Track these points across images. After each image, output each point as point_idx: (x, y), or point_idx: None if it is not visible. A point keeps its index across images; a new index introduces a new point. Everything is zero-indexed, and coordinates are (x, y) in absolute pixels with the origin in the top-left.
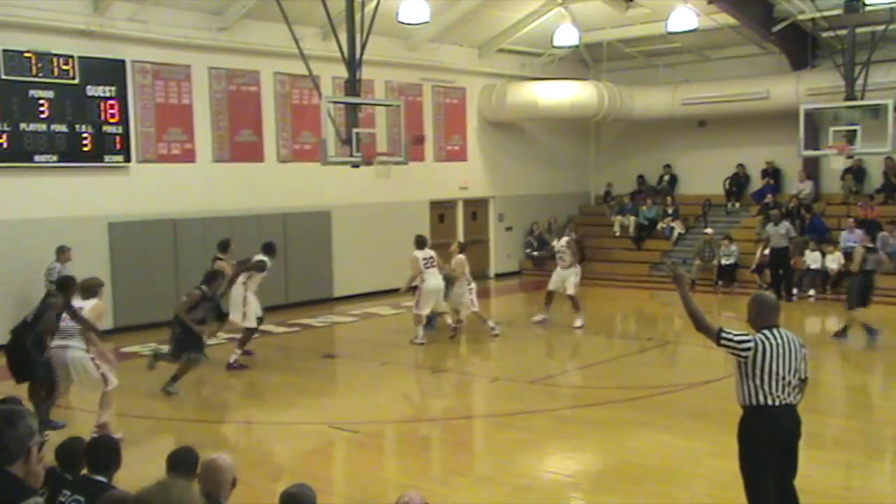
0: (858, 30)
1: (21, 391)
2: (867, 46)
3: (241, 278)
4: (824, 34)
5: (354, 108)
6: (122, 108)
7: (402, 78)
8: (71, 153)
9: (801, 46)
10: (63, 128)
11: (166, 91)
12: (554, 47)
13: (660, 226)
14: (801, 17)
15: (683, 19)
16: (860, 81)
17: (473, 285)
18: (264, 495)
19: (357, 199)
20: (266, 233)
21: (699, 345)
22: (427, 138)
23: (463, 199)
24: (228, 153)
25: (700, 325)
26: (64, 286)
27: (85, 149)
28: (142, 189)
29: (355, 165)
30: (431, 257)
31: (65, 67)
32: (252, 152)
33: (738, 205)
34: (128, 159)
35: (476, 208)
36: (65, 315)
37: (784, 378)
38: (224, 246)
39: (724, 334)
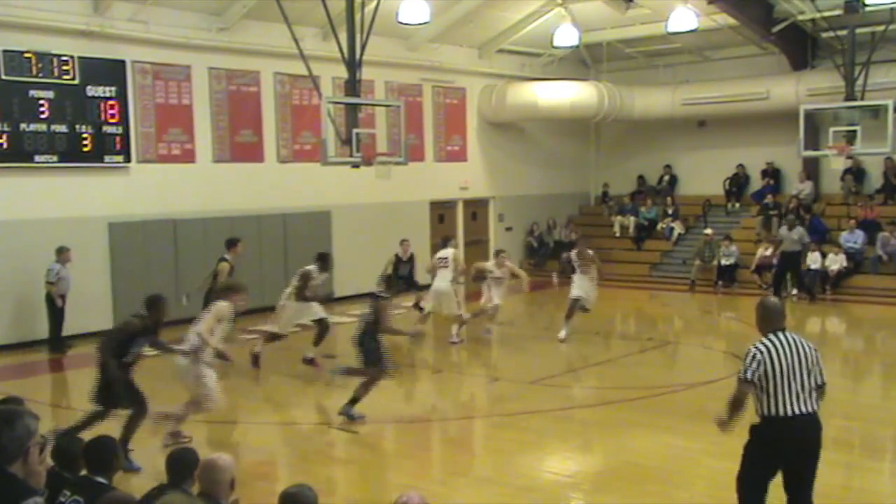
0: (858, 30)
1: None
2: (867, 47)
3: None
4: (824, 35)
5: (354, 108)
6: (123, 109)
7: (402, 78)
8: (71, 153)
9: (801, 47)
10: (63, 128)
11: (166, 91)
12: (554, 47)
13: (660, 226)
14: (800, 17)
15: (683, 20)
16: (860, 82)
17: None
18: (264, 496)
19: (357, 199)
20: (266, 233)
21: (699, 345)
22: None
23: (463, 200)
24: (228, 153)
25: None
26: (151, 305)
27: (85, 149)
28: (142, 189)
29: (355, 166)
30: (445, 258)
31: (65, 68)
32: (252, 152)
33: (737, 205)
34: (128, 160)
35: (476, 209)
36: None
37: (796, 383)
38: (231, 244)
39: (741, 373)
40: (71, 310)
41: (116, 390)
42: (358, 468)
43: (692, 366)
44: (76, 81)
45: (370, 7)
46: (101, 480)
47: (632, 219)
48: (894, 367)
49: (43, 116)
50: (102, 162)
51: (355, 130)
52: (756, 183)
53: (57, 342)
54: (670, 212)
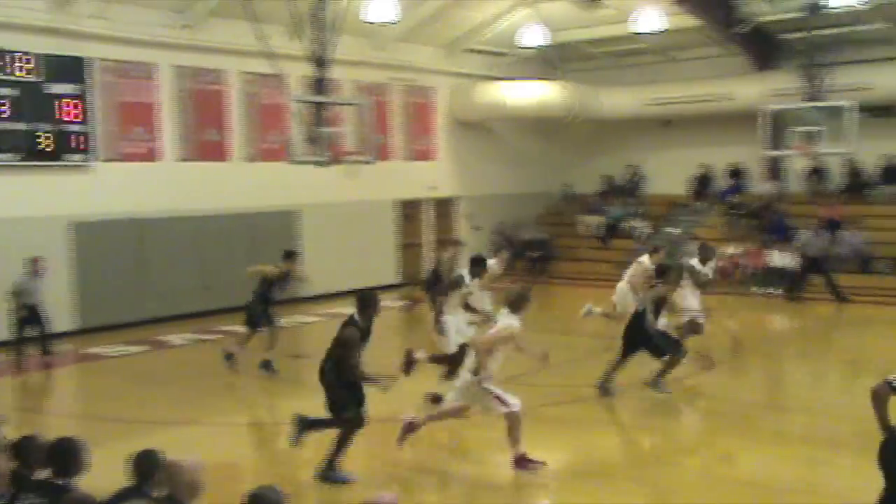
0: (820, 32)
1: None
2: (829, 48)
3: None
4: (787, 36)
5: (322, 107)
6: (85, 107)
7: (369, 77)
8: (32, 152)
9: (764, 48)
10: (24, 126)
11: (130, 89)
12: (521, 47)
13: (626, 225)
14: (763, 19)
15: (649, 20)
16: (822, 83)
17: None
18: (230, 497)
19: (326, 198)
20: (233, 233)
21: None
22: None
23: (431, 199)
24: (194, 152)
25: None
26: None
27: (46, 148)
28: (105, 188)
29: (323, 165)
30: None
31: (25, 65)
32: (218, 151)
33: (702, 204)
34: (91, 158)
35: (444, 208)
36: None
37: None
38: (290, 255)
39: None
40: None
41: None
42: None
43: (657, 364)
44: (36, 79)
45: (337, 5)
46: (61, 483)
47: (599, 218)
48: (856, 364)
49: (3, 115)
50: (64, 161)
51: (323, 129)
52: (721, 182)
53: (19, 345)
54: (636, 211)
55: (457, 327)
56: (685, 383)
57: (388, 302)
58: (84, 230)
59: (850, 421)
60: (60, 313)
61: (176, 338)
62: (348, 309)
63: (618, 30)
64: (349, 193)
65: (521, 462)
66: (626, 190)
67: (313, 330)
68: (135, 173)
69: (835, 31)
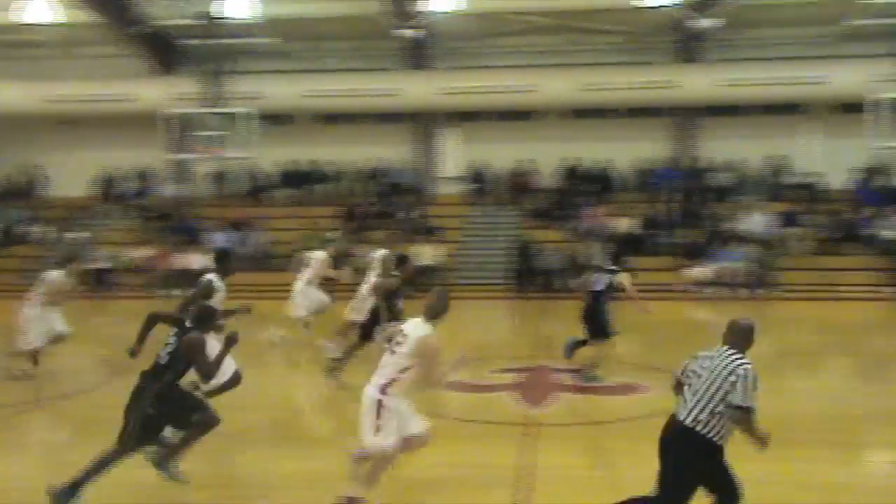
0: (219, 41)
1: None
2: (227, 57)
3: None
4: (187, 42)
5: None
6: None
7: None
8: None
9: (165, 52)
10: None
11: None
12: None
13: (25, 230)
14: (161, 22)
15: (38, 11)
16: (221, 90)
17: None
18: None
19: None
20: None
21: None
22: None
23: None
24: None
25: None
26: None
27: None
28: None
29: None
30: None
31: None
32: None
33: (109, 207)
34: None
35: None
36: None
37: None
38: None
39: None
40: None
41: None
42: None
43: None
44: None
45: None
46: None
47: None
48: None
49: None
50: None
51: None
52: (128, 184)
53: None
54: (35, 215)
55: None
56: None
57: None
58: None
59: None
60: None
61: None
62: None
63: (2, 18)
64: None
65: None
66: (23, 192)
67: None
68: None
69: (232, 41)
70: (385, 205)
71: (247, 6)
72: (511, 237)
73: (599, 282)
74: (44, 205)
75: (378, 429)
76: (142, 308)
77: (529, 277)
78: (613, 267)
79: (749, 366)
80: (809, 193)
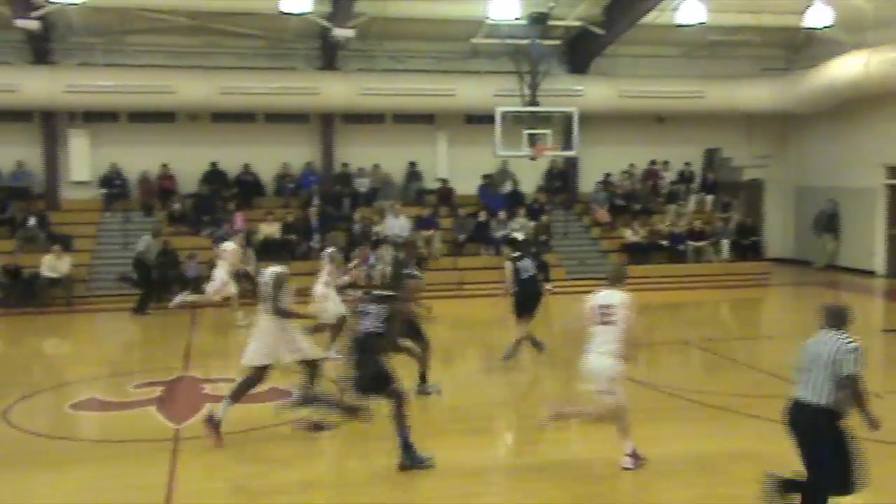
0: None
1: None
2: None
3: None
4: None
5: None
6: None
7: None
8: None
9: None
10: None
11: None
12: None
13: None
14: None
15: None
16: None
17: None
18: None
19: None
20: None
21: None
22: None
23: None
24: None
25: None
26: None
27: None
28: None
29: None
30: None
31: None
32: None
33: None
34: None
35: None
36: None
37: None
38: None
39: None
40: None
41: None
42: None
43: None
44: None
45: None
46: None
47: None
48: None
49: None
50: None
51: None
52: None
53: None
54: None
55: None
56: None
57: None
58: None
59: None
60: None
61: None
62: None
63: None
64: None
65: None
66: None
67: None
68: None
69: None
70: (3, 211)
71: None
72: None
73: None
74: None
75: (612, 391)
76: None
77: (161, 288)
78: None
79: (854, 342)
80: (441, 198)
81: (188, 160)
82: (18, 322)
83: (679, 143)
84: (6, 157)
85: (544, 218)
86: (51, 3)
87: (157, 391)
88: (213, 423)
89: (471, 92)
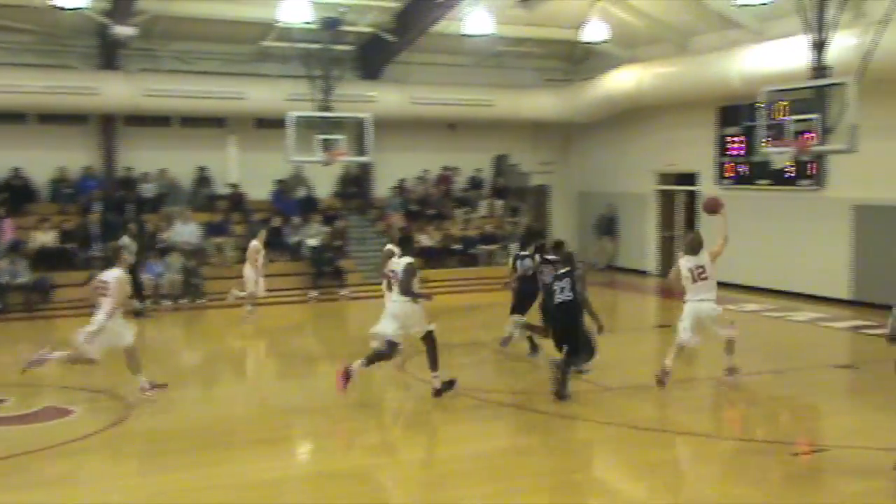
0: None
1: None
2: None
3: None
4: None
5: None
6: None
7: None
8: None
9: None
10: None
11: None
12: None
13: None
14: None
15: None
16: None
17: None
18: None
19: None
20: None
21: None
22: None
23: None
24: None
25: None
26: None
27: None
28: None
29: None
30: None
31: None
32: None
33: None
34: None
35: None
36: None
37: None
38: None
39: None
40: None
41: None
42: None
43: None
44: None
45: None
46: None
47: None
48: None
49: None
50: None
51: None
52: None
53: None
54: None
55: None
56: None
57: None
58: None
59: None
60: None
61: None
62: None
63: None
64: None
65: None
66: None
67: None
68: None
69: None
70: None
71: None
72: None
73: None
74: None
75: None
76: None
77: None
78: None
79: None
80: (233, 203)
81: None
82: None
83: (470, 149)
84: None
85: (339, 223)
86: None
87: None
88: (346, 376)
89: (262, 95)
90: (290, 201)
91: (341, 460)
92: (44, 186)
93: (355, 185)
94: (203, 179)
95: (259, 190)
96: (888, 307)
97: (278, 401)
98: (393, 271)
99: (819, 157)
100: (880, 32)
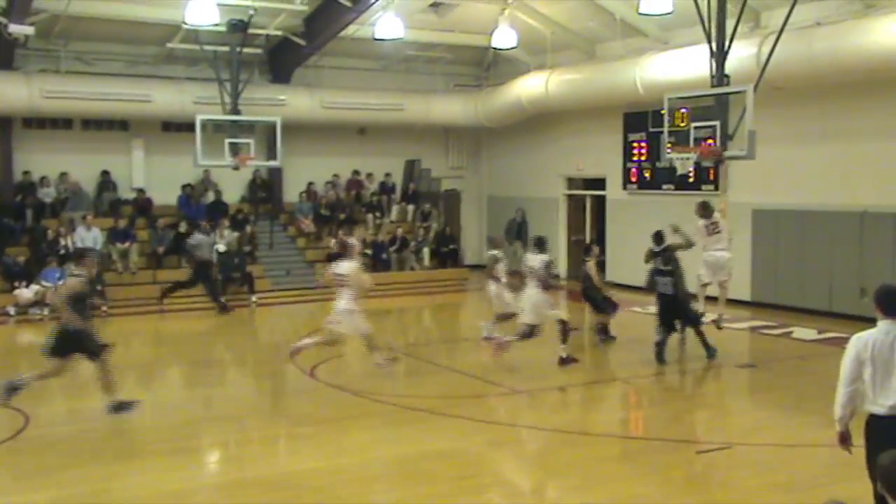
0: None
1: None
2: None
3: None
4: None
5: None
6: None
7: None
8: None
9: None
10: None
11: None
12: None
13: None
14: None
15: None
16: None
17: None
18: None
19: None
20: None
21: None
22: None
23: None
24: None
25: None
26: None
27: None
28: None
29: None
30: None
31: None
32: None
33: None
34: None
35: None
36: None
37: None
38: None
39: None
40: None
41: None
42: None
43: None
44: None
45: None
46: None
47: None
48: None
49: None
50: None
51: None
52: None
53: None
54: None
55: None
56: None
57: None
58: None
59: None
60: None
61: None
62: None
63: None
64: None
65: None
66: None
67: None
68: None
69: None
70: None
71: None
72: None
73: None
74: None
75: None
76: None
77: None
78: None
79: None
80: (138, 209)
81: None
82: None
83: (381, 154)
84: None
85: (249, 228)
86: None
87: None
88: (501, 347)
89: (168, 98)
90: (198, 206)
91: (252, 469)
92: None
93: (265, 189)
94: (107, 184)
95: (166, 195)
96: (784, 307)
97: (185, 410)
98: (530, 267)
99: (719, 163)
100: (776, 43)
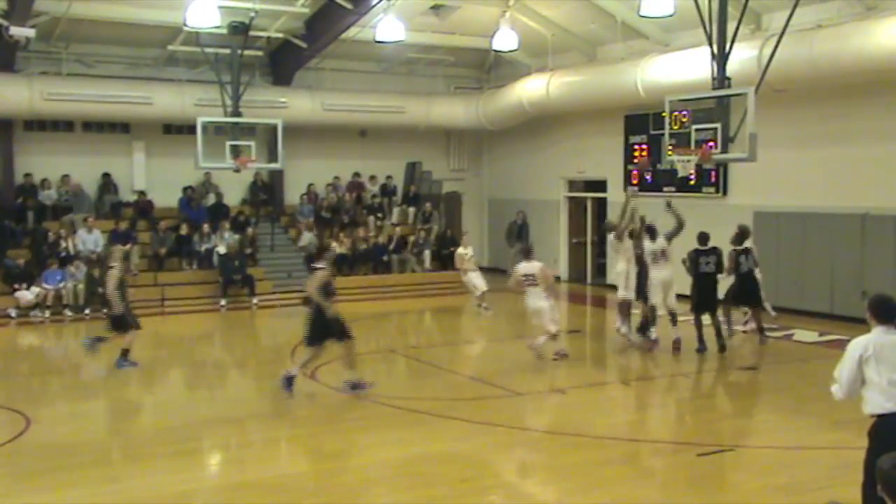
0: None
1: None
2: None
3: None
4: None
5: None
6: None
7: None
8: None
9: None
10: None
11: None
12: None
13: None
14: None
15: None
16: None
17: None
18: None
19: None
20: None
21: None
22: None
23: None
24: None
25: None
26: None
27: None
28: None
29: None
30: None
31: None
32: None
33: None
34: None
35: None
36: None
37: None
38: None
39: None
40: None
41: None
42: None
43: None
44: None
45: None
46: None
47: None
48: None
49: None
50: None
51: None
52: None
53: None
54: None
55: None
56: None
57: None
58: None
59: None
60: None
61: None
62: None
63: None
64: None
65: None
66: None
67: None
68: None
69: None
70: None
71: None
72: None
73: None
74: None
75: None
76: None
77: None
78: None
79: None
80: (139, 211)
81: None
82: None
83: (382, 156)
84: None
85: (250, 230)
86: None
87: None
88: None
89: (169, 100)
90: (199, 208)
91: (253, 471)
92: None
93: (266, 191)
94: (108, 186)
95: (167, 197)
96: (785, 310)
97: (187, 412)
98: (654, 251)
99: (720, 165)
100: (777, 45)
